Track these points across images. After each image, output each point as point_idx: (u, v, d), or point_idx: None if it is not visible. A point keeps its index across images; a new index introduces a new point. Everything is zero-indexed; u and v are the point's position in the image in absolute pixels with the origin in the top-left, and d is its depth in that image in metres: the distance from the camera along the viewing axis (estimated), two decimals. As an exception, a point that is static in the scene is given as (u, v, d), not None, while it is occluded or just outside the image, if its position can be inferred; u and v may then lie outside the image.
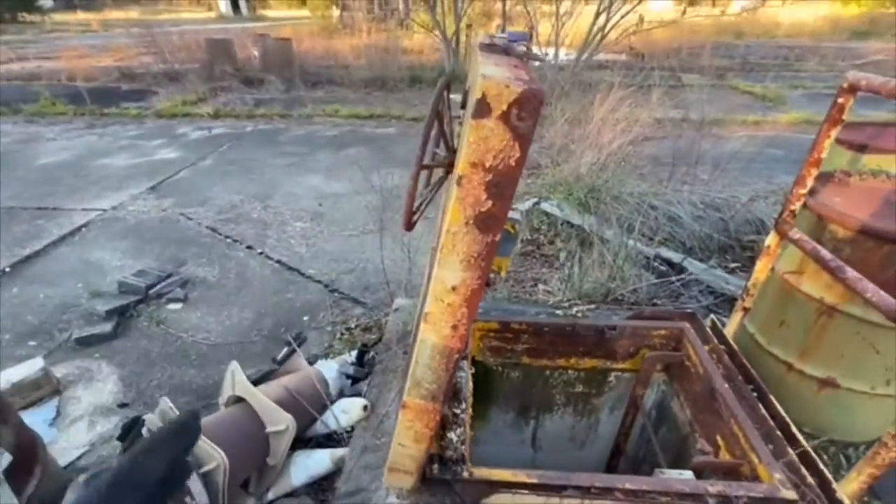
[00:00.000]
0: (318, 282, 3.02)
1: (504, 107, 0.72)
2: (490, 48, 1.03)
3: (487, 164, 0.79)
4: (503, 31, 11.01)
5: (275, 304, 2.83)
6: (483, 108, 0.73)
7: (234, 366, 1.72)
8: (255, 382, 1.81)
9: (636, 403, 2.14)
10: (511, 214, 0.97)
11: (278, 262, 3.27)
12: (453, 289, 0.94)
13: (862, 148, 2.51)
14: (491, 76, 0.72)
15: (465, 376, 1.67)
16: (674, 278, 2.56)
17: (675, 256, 2.90)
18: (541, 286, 2.80)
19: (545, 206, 3.42)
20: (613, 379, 2.19)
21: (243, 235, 3.62)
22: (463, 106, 1.18)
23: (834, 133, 1.48)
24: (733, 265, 3.07)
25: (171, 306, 2.80)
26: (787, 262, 1.84)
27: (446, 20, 10.07)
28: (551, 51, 10.01)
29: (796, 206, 1.61)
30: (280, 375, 1.93)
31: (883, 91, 1.30)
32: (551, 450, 2.46)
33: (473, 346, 2.06)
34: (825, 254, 1.48)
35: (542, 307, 2.37)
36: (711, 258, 3.04)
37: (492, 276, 1.08)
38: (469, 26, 10.96)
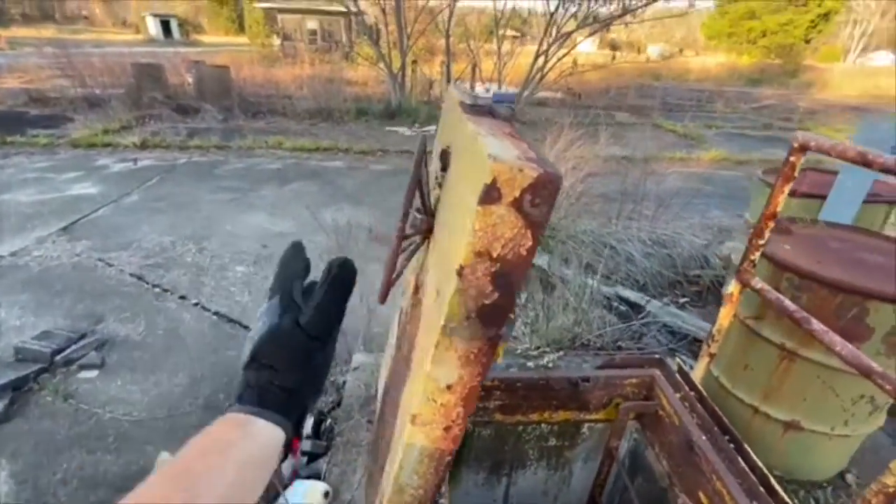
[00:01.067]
0: (265, 335, 2.72)
1: (517, 193, 0.63)
2: (475, 110, 0.95)
3: (495, 254, 0.68)
4: (473, 78, 11.31)
5: (213, 364, 2.50)
6: (493, 194, 0.63)
7: (164, 458, 1.44)
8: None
9: (611, 454, 2.08)
10: (509, 296, 0.87)
11: (216, 313, 2.93)
12: (448, 387, 0.81)
13: (790, 193, 2.74)
14: (501, 158, 0.62)
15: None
16: (635, 321, 2.58)
17: (633, 295, 2.96)
18: (505, 330, 2.72)
19: (503, 245, 3.38)
20: (587, 430, 2.12)
21: (175, 284, 3.24)
22: (443, 168, 1.09)
23: (787, 188, 1.55)
24: (682, 300, 3.19)
25: (84, 374, 2.39)
26: (747, 306, 1.89)
27: (391, 54, 10.19)
28: (494, 86, 10.41)
29: (756, 255, 1.66)
30: (222, 460, 1.65)
31: (832, 153, 1.38)
32: (524, 506, 2.32)
33: (443, 406, 1.92)
34: (789, 304, 1.52)
35: (511, 358, 2.28)
36: (664, 295, 3.14)
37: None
38: (415, 62, 11.18)
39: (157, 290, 3.15)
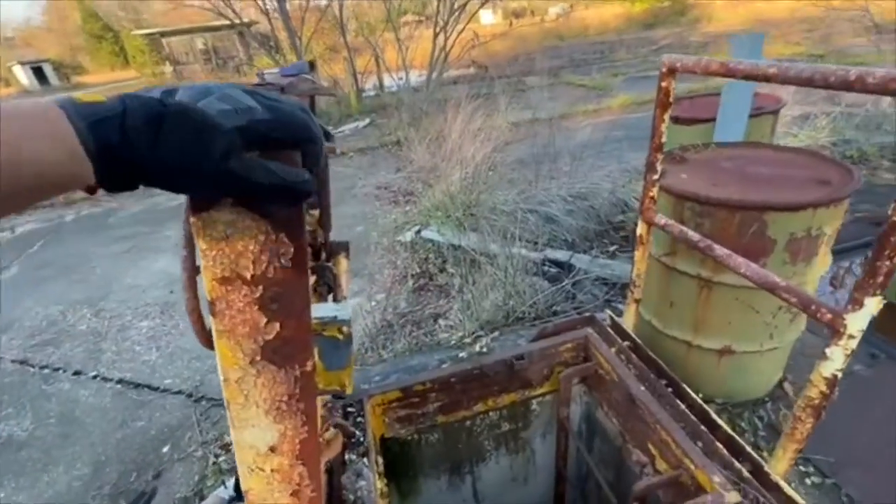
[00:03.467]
0: (178, 392, 2.42)
1: (240, 185, 0.45)
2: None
3: (249, 275, 0.50)
4: (379, 69, 10.84)
5: (120, 442, 2.17)
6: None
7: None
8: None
9: (564, 425, 2.00)
10: (337, 314, 0.70)
11: (120, 381, 2.57)
12: (272, 449, 0.63)
13: (677, 120, 2.74)
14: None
15: (370, 483, 1.34)
16: (566, 281, 2.52)
17: (562, 255, 2.90)
18: (441, 321, 2.58)
19: (426, 233, 3.24)
20: (536, 406, 2.04)
21: (68, 359, 2.82)
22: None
23: (666, 116, 1.48)
24: (612, 248, 3.18)
25: (-42, 495, 2.00)
26: (659, 245, 1.85)
27: (287, 60, 9.66)
28: (403, 75, 10.18)
29: (654, 191, 1.60)
30: (122, 560, 1.40)
31: (697, 69, 1.31)
32: (495, 496, 2.23)
33: (376, 423, 1.76)
34: (693, 235, 1.46)
35: (444, 350, 2.14)
36: (593, 248, 3.11)
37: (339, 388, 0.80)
38: (312, 62, 10.66)
39: (45, 371, 2.72)
